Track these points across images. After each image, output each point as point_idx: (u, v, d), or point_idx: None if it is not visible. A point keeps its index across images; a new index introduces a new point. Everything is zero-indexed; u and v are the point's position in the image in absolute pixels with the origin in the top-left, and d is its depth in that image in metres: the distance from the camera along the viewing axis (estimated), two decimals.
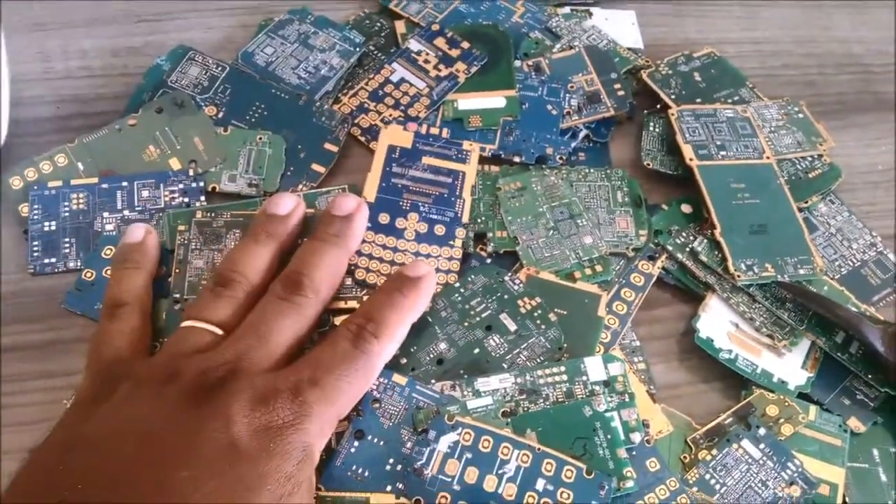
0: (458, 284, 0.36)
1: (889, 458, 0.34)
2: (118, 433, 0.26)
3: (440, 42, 0.42)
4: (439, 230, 0.36)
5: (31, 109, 0.40)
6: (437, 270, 0.35)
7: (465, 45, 0.42)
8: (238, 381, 0.27)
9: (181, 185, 0.38)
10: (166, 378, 0.28)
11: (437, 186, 0.37)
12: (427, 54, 0.42)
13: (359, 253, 0.35)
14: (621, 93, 0.43)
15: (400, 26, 0.44)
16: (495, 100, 0.41)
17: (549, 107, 0.42)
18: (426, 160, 0.37)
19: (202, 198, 0.38)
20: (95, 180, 0.37)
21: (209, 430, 0.26)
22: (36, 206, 0.36)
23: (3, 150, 0.38)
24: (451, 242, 0.36)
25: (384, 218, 0.36)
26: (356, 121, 0.40)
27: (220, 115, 0.40)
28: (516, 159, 0.40)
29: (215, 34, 0.44)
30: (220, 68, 0.41)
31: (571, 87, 0.42)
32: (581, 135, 0.42)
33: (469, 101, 0.41)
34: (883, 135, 0.45)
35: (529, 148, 0.40)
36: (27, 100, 0.40)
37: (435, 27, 0.43)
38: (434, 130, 0.39)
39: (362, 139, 0.40)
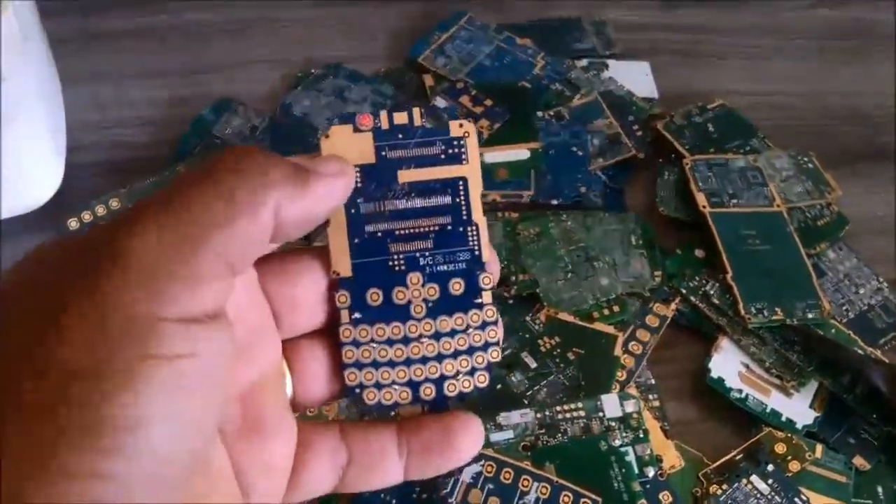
0: None
1: (894, 496, 0.36)
2: None
3: (465, 100, 0.45)
4: (456, 287, 0.23)
5: (87, 155, 0.43)
6: (472, 366, 0.24)
7: (489, 102, 0.45)
8: None
9: None
10: None
11: (433, 216, 0.23)
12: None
13: (358, 364, 0.22)
14: (640, 133, 0.46)
15: (428, 79, 0.47)
16: (520, 152, 0.43)
17: (575, 148, 0.44)
18: (404, 176, 0.23)
19: None
20: None
21: None
22: None
23: (62, 193, 0.41)
24: (478, 300, 0.23)
25: (374, 296, 0.23)
26: None
27: None
28: (554, 202, 0.42)
29: (257, 87, 0.47)
30: (260, 119, 0.44)
31: (590, 128, 0.45)
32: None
33: (494, 155, 0.43)
34: (888, 184, 0.47)
35: (564, 189, 0.43)
36: (83, 146, 0.43)
37: (459, 85, 0.46)
38: (400, 118, 0.23)
39: None
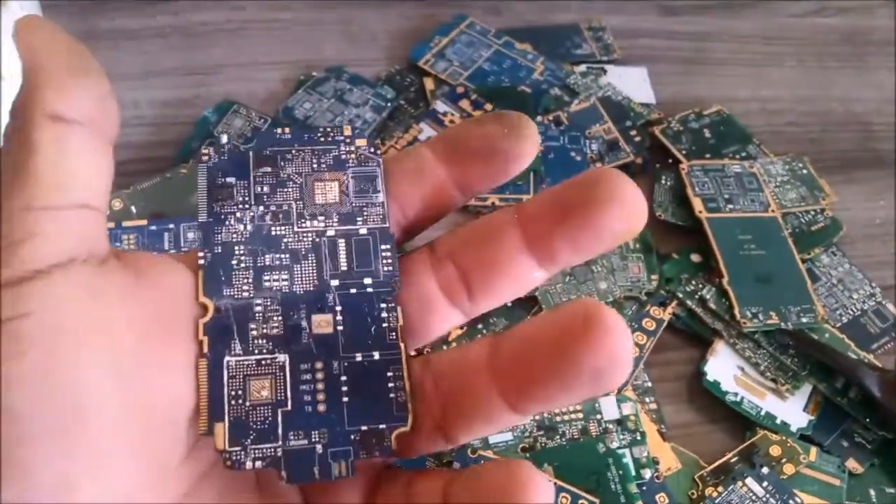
0: (480, 326, 0.38)
1: (885, 498, 0.36)
2: None
3: (465, 104, 0.46)
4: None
5: None
6: None
7: (488, 106, 0.45)
8: None
9: None
10: None
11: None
12: (452, 115, 0.45)
13: None
14: (638, 139, 0.46)
15: (428, 83, 0.48)
16: None
17: (573, 153, 0.45)
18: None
19: None
20: (145, 222, 0.40)
21: None
22: None
23: None
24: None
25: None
26: None
27: None
28: None
29: (258, 88, 0.47)
30: (262, 120, 0.44)
31: (589, 133, 0.46)
32: None
33: None
34: (882, 190, 0.48)
35: None
36: None
37: (460, 89, 0.46)
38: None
39: None
